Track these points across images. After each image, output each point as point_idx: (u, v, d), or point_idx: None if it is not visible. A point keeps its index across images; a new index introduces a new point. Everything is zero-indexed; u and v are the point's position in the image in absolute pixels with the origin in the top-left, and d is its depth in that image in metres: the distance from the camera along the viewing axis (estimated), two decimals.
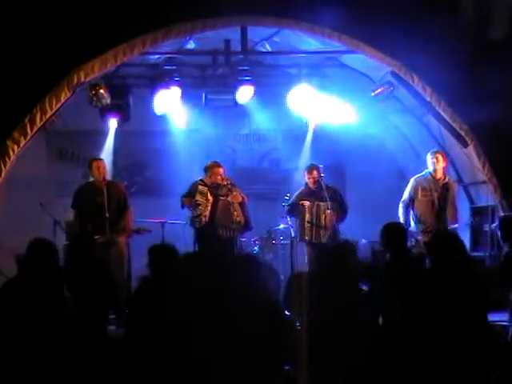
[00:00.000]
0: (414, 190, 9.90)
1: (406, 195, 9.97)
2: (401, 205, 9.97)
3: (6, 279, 6.37)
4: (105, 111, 10.46)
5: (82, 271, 6.86)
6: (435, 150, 10.21)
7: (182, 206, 10.07)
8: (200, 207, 9.92)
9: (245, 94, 10.77)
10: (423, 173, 9.97)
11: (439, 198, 9.80)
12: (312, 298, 6.26)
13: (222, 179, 9.97)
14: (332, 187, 10.29)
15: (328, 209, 9.93)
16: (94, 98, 9.75)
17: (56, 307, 6.06)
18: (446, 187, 9.85)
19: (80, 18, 8.54)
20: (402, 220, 9.87)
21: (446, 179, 9.94)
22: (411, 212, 9.93)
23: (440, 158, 9.86)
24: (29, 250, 6.38)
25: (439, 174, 9.84)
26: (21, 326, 5.92)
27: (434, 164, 9.82)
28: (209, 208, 9.91)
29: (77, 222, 9.61)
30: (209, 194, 9.95)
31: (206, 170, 10.10)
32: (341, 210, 10.22)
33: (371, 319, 6.46)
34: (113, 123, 10.93)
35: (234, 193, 9.90)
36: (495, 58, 9.28)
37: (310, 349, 6.00)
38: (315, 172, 10.13)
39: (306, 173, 10.24)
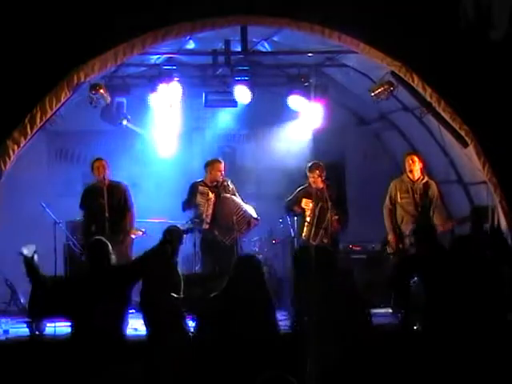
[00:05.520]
0: (394, 193, 9.87)
1: (387, 200, 9.94)
2: (385, 210, 9.92)
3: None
4: (105, 111, 10.48)
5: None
6: (410, 151, 10.26)
7: (184, 210, 10.07)
8: (201, 208, 9.92)
9: (244, 93, 10.77)
10: (401, 176, 9.97)
11: (420, 199, 9.76)
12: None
13: (223, 178, 9.99)
14: (333, 188, 10.23)
15: (331, 210, 9.84)
16: (94, 98, 9.76)
17: None
18: (425, 187, 9.81)
19: (80, 18, 8.54)
20: (387, 225, 9.83)
21: (425, 179, 9.90)
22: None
23: (415, 159, 9.83)
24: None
25: (416, 176, 9.81)
26: None
27: (409, 166, 9.81)
28: (211, 207, 9.89)
29: (83, 223, 9.81)
30: (210, 193, 9.93)
31: (207, 165, 10.12)
32: (342, 213, 10.11)
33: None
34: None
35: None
36: (495, 58, 9.27)
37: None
38: (317, 171, 10.08)
39: (308, 172, 10.14)
